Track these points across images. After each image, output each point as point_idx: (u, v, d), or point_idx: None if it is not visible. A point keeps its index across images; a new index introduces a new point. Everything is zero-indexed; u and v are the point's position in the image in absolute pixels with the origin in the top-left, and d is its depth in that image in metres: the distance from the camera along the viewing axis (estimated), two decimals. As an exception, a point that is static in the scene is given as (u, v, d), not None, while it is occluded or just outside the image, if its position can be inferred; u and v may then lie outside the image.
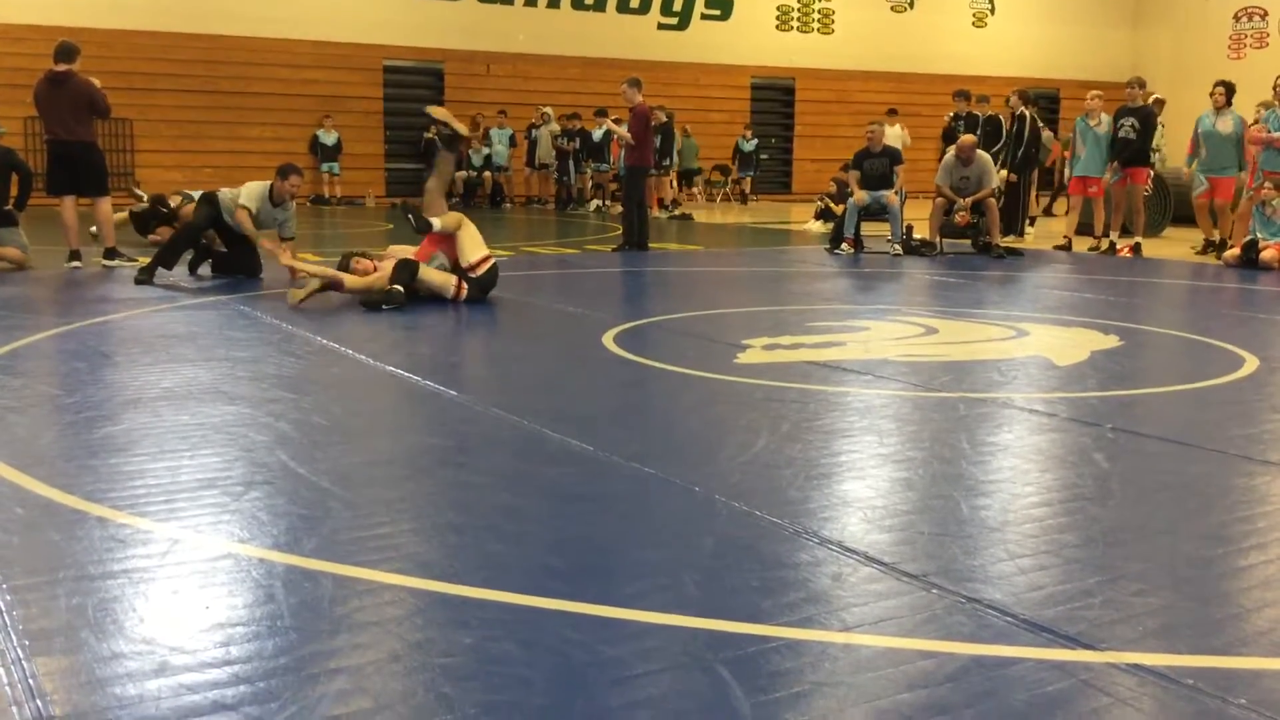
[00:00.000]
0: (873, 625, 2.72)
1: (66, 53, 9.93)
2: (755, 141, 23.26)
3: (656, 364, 6.13)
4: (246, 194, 9.17)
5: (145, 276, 9.02)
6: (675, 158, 20.07)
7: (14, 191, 10.20)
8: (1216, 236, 12.77)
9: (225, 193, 9.35)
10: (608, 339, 6.73)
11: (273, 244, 9.09)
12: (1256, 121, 13.00)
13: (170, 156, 18.60)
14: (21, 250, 9.97)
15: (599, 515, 3.57)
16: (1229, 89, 12.67)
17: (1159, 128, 13.92)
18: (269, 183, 9.19)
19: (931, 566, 3.08)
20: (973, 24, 26.87)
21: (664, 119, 17.37)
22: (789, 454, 4.24)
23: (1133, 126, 12.62)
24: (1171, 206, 15.35)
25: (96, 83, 10.08)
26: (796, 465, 4.10)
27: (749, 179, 23.52)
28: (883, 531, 3.39)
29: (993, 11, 27.02)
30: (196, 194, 11.42)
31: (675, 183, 20.45)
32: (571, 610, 2.77)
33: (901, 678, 2.46)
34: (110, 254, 10.13)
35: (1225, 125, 12.64)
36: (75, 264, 9.92)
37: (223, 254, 9.45)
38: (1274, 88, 12.26)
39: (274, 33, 20.07)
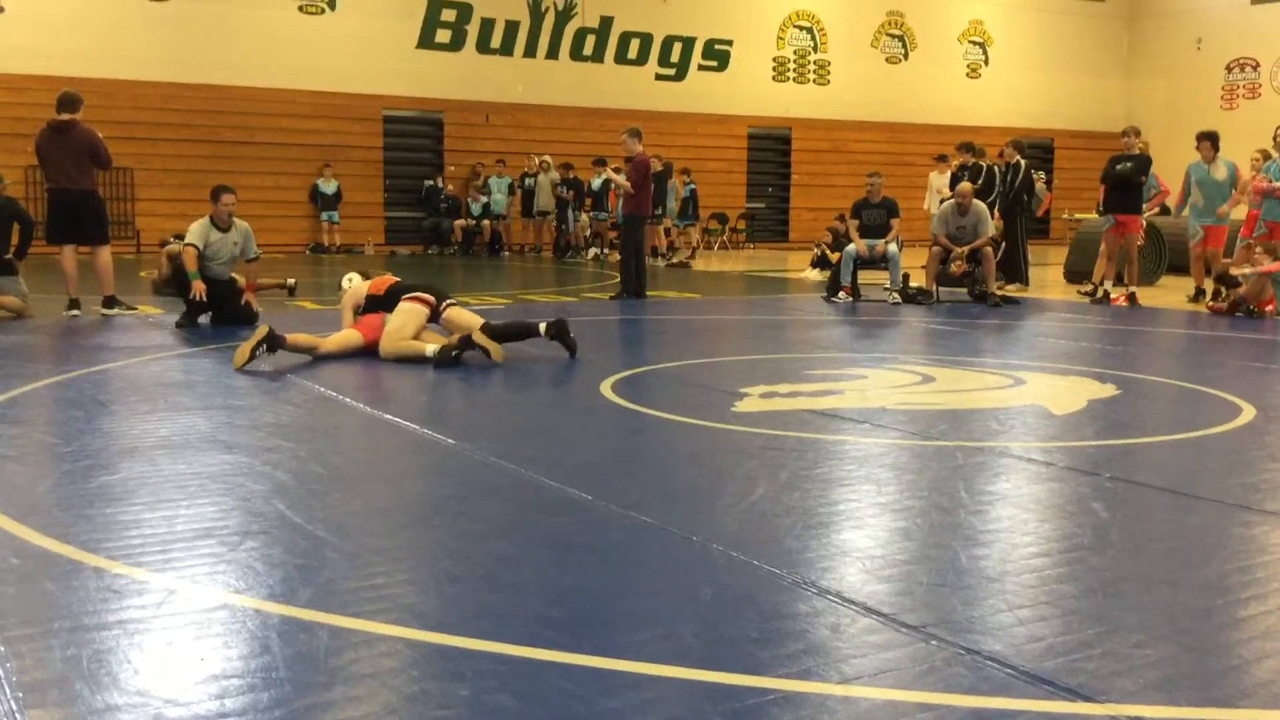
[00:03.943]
0: (872, 677, 2.70)
1: (69, 102, 10.02)
2: (693, 186, 21.07)
3: (654, 412, 6.13)
4: (190, 233, 9.42)
5: (187, 320, 9.36)
6: (672, 206, 20.11)
7: (14, 240, 10.25)
8: (1209, 287, 12.84)
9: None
10: (605, 387, 6.73)
11: (200, 288, 9.18)
12: (1254, 170, 13.10)
13: (171, 205, 18.68)
14: (21, 298, 9.99)
15: (597, 565, 3.56)
16: (1214, 140, 12.83)
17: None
18: (209, 214, 9.44)
19: (930, 617, 3.07)
20: (967, 75, 27.15)
21: (659, 168, 17.48)
22: (787, 503, 4.23)
23: (1131, 170, 12.70)
24: (1166, 256, 15.43)
25: (98, 134, 10.16)
26: (794, 514, 4.09)
27: (690, 228, 21.21)
28: (881, 582, 3.38)
29: (987, 63, 27.31)
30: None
31: (668, 231, 20.48)
32: (569, 661, 2.76)
33: (901, 730, 2.44)
34: (109, 302, 10.15)
35: (1219, 172, 12.79)
36: (74, 312, 9.95)
37: (217, 305, 9.40)
38: (1274, 138, 12.36)
39: (274, 83, 20.25)
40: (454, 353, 7.44)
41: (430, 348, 7.49)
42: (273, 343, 7.20)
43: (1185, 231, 13.49)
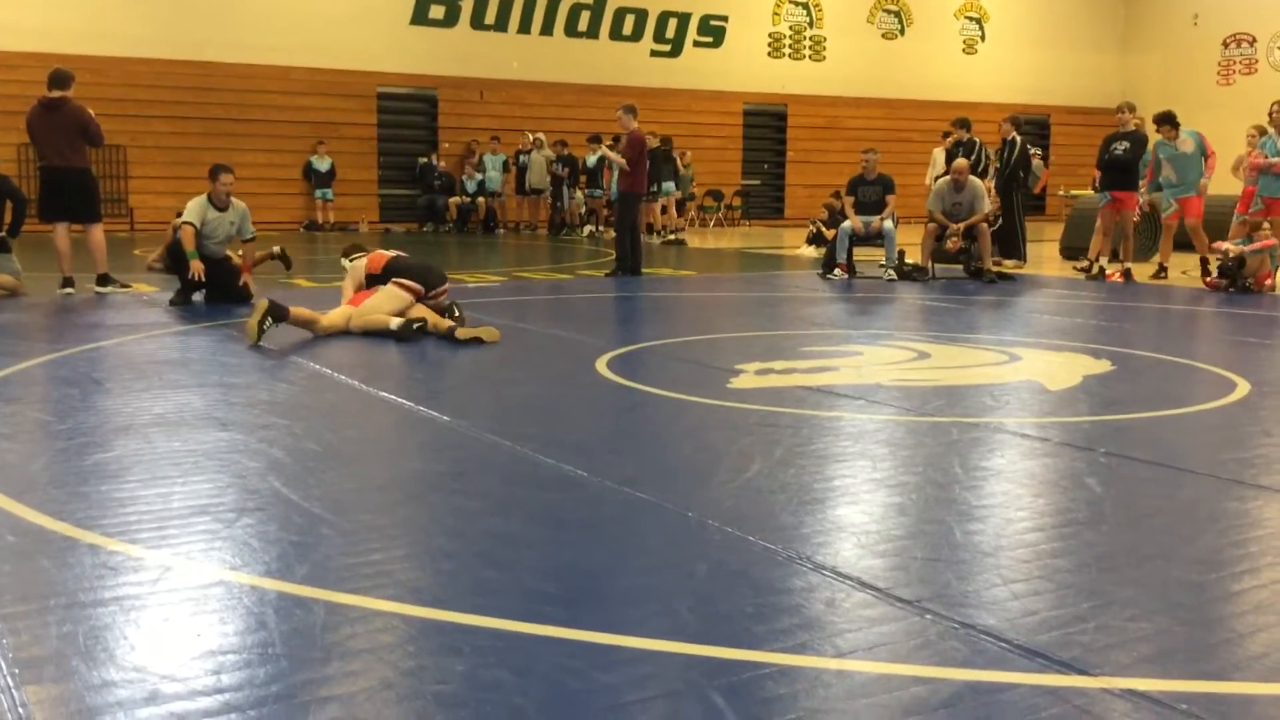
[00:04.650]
0: (866, 651, 2.71)
1: (60, 79, 9.96)
2: (689, 159, 20.55)
3: (649, 389, 6.13)
4: (187, 210, 9.36)
5: (181, 299, 9.28)
6: (672, 184, 19.92)
7: (7, 218, 10.21)
8: (1172, 263, 12.89)
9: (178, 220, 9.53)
10: (601, 364, 6.73)
11: (198, 268, 9.13)
12: (1250, 146, 13.08)
13: (164, 183, 18.62)
14: (14, 276, 9.97)
15: (592, 541, 3.56)
16: (1173, 121, 12.78)
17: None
18: (206, 192, 9.39)
19: (925, 592, 3.08)
20: (963, 51, 27.06)
21: (655, 144, 17.41)
22: (782, 479, 4.24)
23: (1127, 150, 12.70)
24: (1160, 231, 15.42)
25: (90, 111, 10.11)
26: (790, 490, 4.10)
27: (671, 199, 19.80)
28: (876, 557, 3.38)
29: (983, 38, 27.23)
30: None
31: (670, 208, 20.31)
32: (564, 637, 2.77)
33: (895, 704, 2.45)
34: (103, 280, 10.13)
35: (1187, 145, 12.77)
36: (68, 290, 9.92)
37: (211, 283, 9.37)
38: (1270, 114, 12.34)
39: (268, 59, 20.15)
40: (415, 325, 7.47)
41: (395, 321, 7.53)
42: (277, 313, 7.23)
43: (1158, 204, 13.48)
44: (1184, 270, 13.21)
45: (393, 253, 8.19)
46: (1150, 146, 12.99)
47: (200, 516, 3.69)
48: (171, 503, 3.84)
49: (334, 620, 2.87)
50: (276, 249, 11.98)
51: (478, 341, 7.41)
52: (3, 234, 10.15)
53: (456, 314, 7.80)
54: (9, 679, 2.50)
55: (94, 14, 18.80)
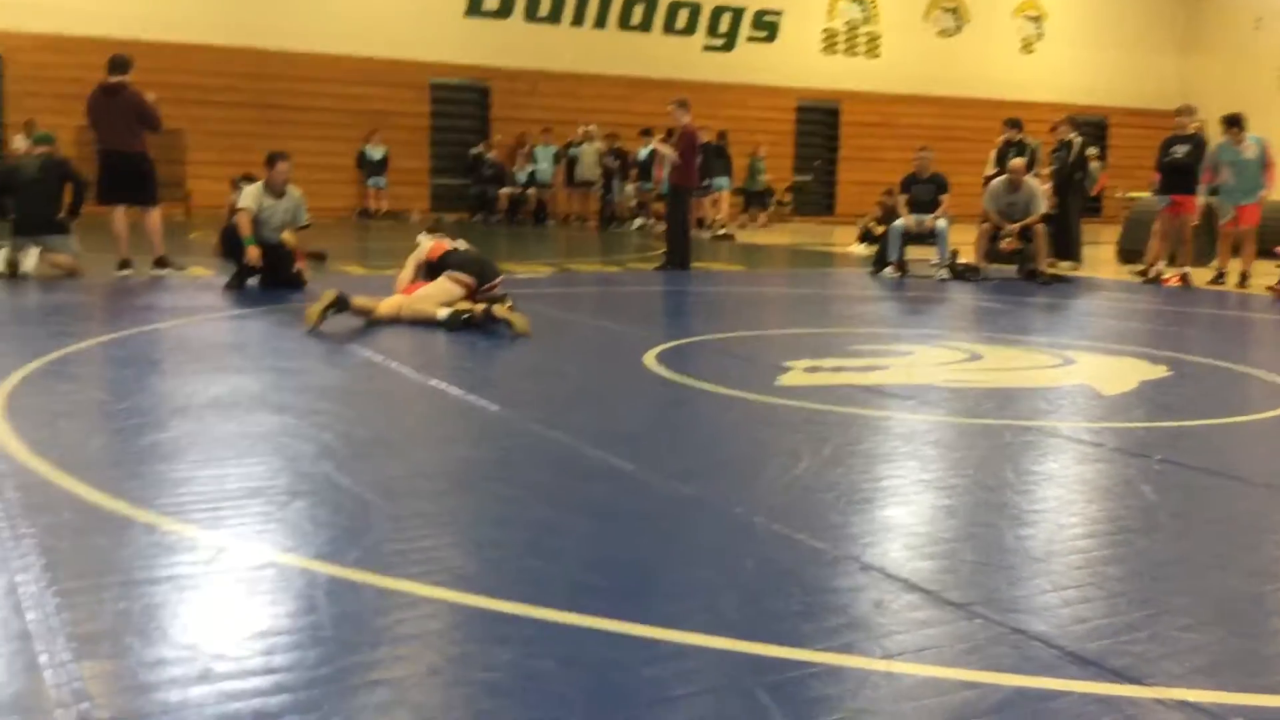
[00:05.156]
0: (914, 653, 2.69)
1: (120, 64, 10.10)
2: (763, 151, 21.88)
3: (698, 384, 6.12)
4: (244, 196, 9.51)
5: (236, 283, 9.37)
6: (725, 179, 19.82)
7: (68, 199, 10.37)
8: (1232, 268, 12.59)
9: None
10: (649, 358, 6.73)
11: (256, 256, 9.20)
12: None
13: (221, 168, 18.77)
14: (73, 258, 10.13)
15: (638, 534, 3.57)
16: (1240, 123, 12.49)
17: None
18: (263, 179, 9.54)
19: (975, 595, 3.05)
20: (1021, 49, 26.74)
21: (707, 139, 17.33)
22: (831, 478, 4.22)
23: (1187, 153, 12.49)
24: (1218, 236, 15.16)
25: (151, 96, 10.23)
26: (838, 489, 4.08)
27: (724, 194, 20.10)
28: (925, 559, 3.36)
29: (1041, 37, 26.89)
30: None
31: (723, 203, 20.19)
32: (610, 629, 2.77)
33: (943, 708, 2.43)
34: (160, 262, 10.26)
35: (1250, 151, 12.50)
36: (126, 271, 10.07)
37: (266, 270, 9.46)
38: None
39: (324, 49, 20.32)
40: (464, 316, 7.50)
41: (442, 312, 7.56)
42: (341, 304, 7.31)
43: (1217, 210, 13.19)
44: (1209, 280, 12.77)
45: (453, 244, 8.22)
46: (1212, 148, 12.74)
47: (254, 499, 3.73)
48: (226, 484, 3.89)
49: (383, 605, 2.89)
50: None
51: (508, 325, 7.43)
52: (63, 215, 10.31)
53: (510, 305, 7.83)
54: (66, 654, 2.54)
55: (154, 0, 19.04)
